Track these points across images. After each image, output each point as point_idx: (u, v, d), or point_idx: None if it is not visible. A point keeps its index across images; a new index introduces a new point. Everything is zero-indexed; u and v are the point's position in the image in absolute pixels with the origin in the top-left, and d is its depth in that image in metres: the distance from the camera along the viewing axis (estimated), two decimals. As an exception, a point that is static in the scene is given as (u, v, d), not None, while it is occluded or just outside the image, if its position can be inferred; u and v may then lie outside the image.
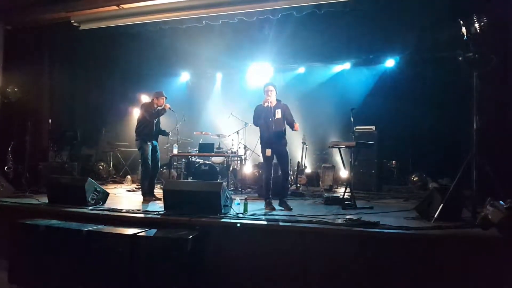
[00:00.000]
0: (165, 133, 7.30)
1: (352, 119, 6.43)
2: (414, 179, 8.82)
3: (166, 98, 7.01)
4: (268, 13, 7.28)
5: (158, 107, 6.87)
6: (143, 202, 6.49)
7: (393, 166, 9.76)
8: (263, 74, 10.67)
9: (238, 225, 4.59)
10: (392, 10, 7.73)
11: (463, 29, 4.69)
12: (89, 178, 5.94)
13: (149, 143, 6.73)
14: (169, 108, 6.99)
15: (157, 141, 7.01)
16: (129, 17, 7.82)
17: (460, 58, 4.84)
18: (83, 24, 8.15)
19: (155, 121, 6.86)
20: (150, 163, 6.73)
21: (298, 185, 8.44)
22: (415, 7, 7.55)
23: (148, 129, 6.77)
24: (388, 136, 9.11)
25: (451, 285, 3.78)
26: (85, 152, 10.91)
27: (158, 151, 6.99)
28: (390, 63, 9.96)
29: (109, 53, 10.26)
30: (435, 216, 4.47)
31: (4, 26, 8.34)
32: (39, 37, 8.87)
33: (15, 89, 8.11)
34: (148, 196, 6.71)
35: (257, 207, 5.85)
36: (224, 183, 5.45)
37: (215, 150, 8.67)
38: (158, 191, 6.98)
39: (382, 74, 10.17)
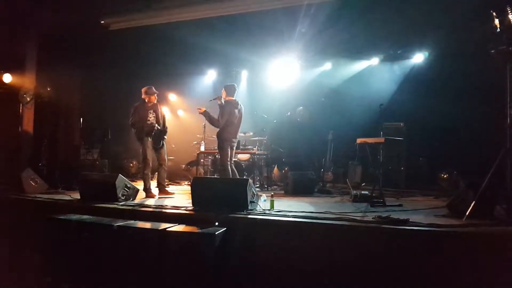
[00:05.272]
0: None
1: (380, 115, 6.33)
2: (444, 176, 8.59)
3: (157, 93, 7.02)
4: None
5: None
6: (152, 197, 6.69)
7: (422, 162, 9.54)
8: (289, 70, 10.62)
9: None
10: (421, 3, 7.56)
11: (496, 21, 4.54)
12: (120, 174, 6.06)
13: (146, 139, 6.77)
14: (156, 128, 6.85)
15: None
16: (157, 17, 7.94)
17: (493, 51, 4.69)
18: (112, 25, 8.34)
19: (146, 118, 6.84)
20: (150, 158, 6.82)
21: (325, 182, 8.39)
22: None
23: (142, 127, 6.77)
24: (417, 132, 8.92)
25: (484, 283, 3.68)
26: (115, 149, 11.15)
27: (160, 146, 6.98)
28: (419, 58, 9.74)
29: (137, 53, 10.44)
30: (467, 213, 4.36)
31: (37, 29, 8.62)
32: (71, 39, 9.13)
33: (48, 90, 8.38)
34: (162, 190, 6.94)
35: (283, 204, 5.86)
36: (250, 180, 5.47)
37: (241, 147, 8.70)
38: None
39: (411, 69, 9.94)
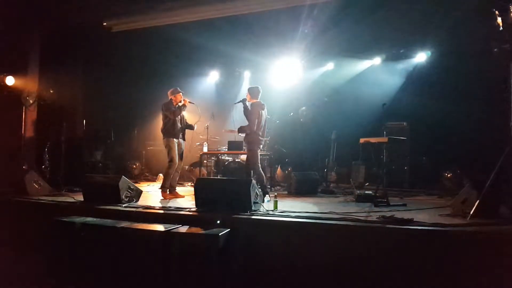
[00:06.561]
0: (191, 127, 7.28)
1: (383, 115, 6.31)
2: (448, 175, 8.56)
3: (182, 93, 7.07)
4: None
5: (178, 104, 6.93)
6: (166, 199, 6.63)
7: (426, 162, 9.50)
8: (292, 71, 10.61)
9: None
10: (423, 2, 7.53)
11: (499, 20, 4.53)
12: (123, 176, 6.05)
13: (175, 140, 6.80)
14: (189, 102, 7.05)
15: (184, 138, 7.10)
16: (159, 18, 7.95)
17: (496, 50, 4.68)
18: (115, 27, 8.35)
19: (178, 118, 6.90)
20: (177, 160, 6.82)
21: (328, 182, 8.36)
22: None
23: (173, 126, 6.82)
24: (420, 131, 8.89)
25: (488, 283, 3.66)
26: (118, 151, 11.16)
27: (183, 148, 7.08)
28: (421, 57, 9.71)
29: (140, 54, 10.46)
30: (472, 212, 4.33)
31: (40, 32, 8.63)
32: (73, 41, 9.15)
33: (51, 92, 8.39)
34: (172, 192, 6.91)
35: (287, 204, 5.85)
36: (254, 181, 5.45)
37: (244, 147, 8.68)
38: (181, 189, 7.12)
39: (413, 68, 9.92)
